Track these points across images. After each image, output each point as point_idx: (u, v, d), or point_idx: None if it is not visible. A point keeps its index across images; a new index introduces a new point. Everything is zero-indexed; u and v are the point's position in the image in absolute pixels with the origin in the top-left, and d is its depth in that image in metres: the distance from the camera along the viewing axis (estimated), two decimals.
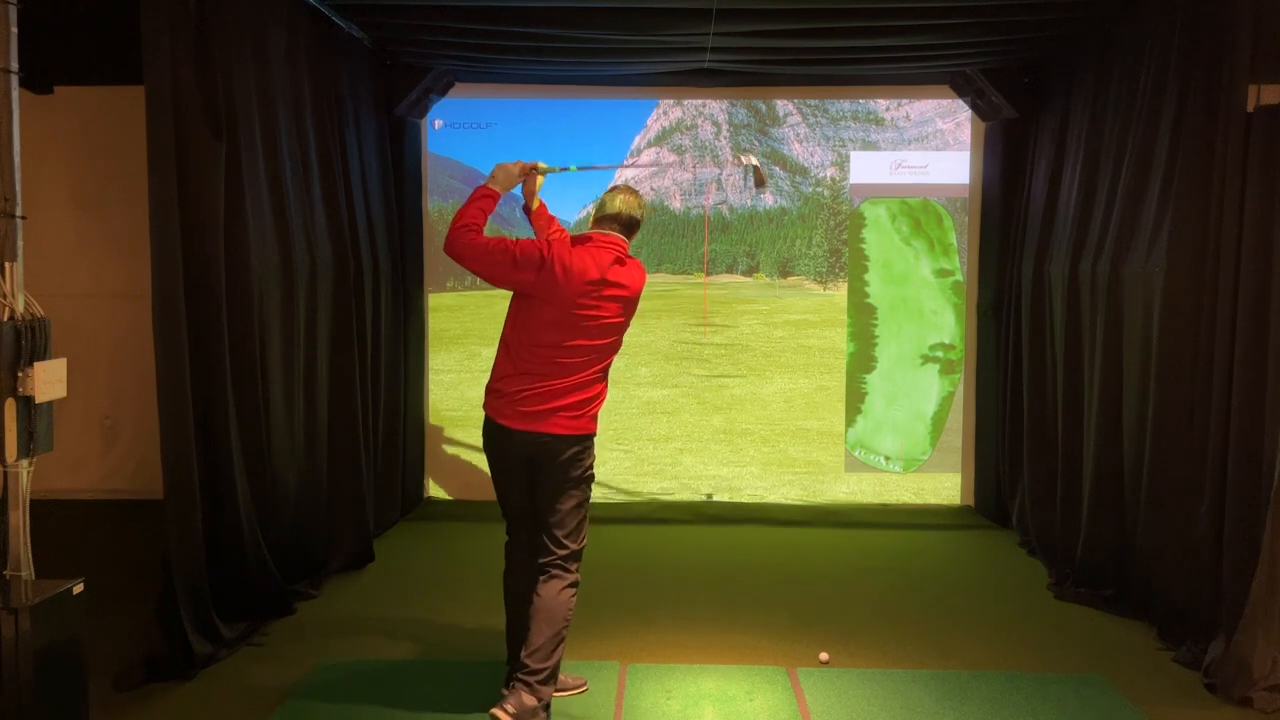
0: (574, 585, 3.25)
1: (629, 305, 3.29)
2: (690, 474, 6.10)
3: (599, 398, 3.29)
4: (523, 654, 3.15)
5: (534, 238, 3.43)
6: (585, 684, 3.51)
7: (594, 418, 3.28)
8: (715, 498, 6.08)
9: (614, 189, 3.34)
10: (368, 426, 5.14)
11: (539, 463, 3.24)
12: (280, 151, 4.23)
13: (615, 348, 3.32)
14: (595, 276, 3.16)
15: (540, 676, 3.12)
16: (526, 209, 3.53)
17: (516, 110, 6.07)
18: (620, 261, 3.23)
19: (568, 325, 3.17)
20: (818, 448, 6.10)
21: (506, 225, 6.11)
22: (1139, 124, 4.21)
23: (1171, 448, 3.96)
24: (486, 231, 3.23)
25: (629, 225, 3.29)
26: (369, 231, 5.23)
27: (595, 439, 3.31)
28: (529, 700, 3.08)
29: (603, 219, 3.29)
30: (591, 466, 3.31)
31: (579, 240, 3.26)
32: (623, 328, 3.31)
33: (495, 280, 3.24)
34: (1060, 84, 5.15)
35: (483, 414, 3.29)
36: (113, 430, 6.07)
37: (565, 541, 3.24)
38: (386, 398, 5.47)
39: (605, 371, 3.31)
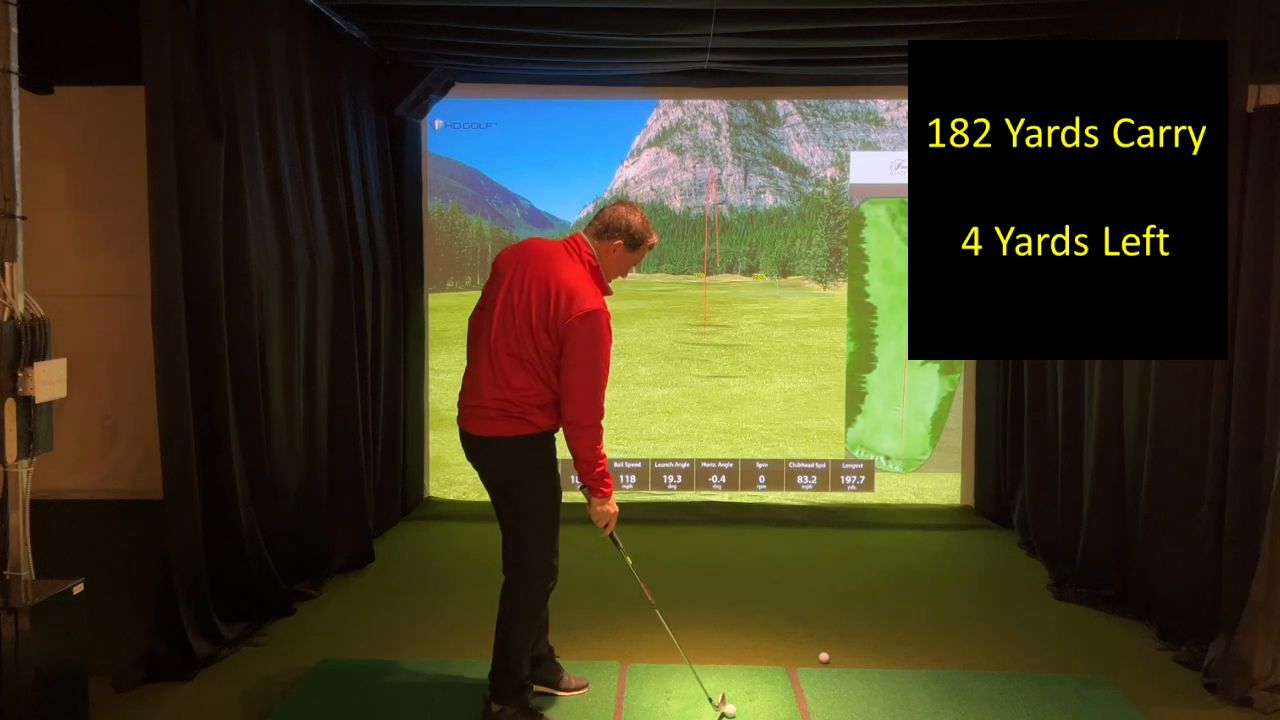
0: (519, 593, 3.14)
1: (546, 305, 2.99)
2: (690, 473, 6.10)
3: (519, 406, 3.04)
4: None
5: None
6: (587, 684, 3.51)
7: (514, 418, 3.04)
8: (715, 499, 6.08)
9: (620, 203, 3.24)
10: (368, 426, 5.14)
11: (473, 463, 3.21)
12: (280, 151, 4.23)
13: (538, 362, 3.02)
14: (523, 248, 3.16)
15: (493, 683, 3.19)
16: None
17: (516, 110, 6.07)
18: (570, 255, 3.11)
19: (495, 310, 3.09)
20: (818, 447, 6.10)
21: (507, 226, 6.11)
22: None
23: (1171, 448, 3.96)
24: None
25: (608, 228, 3.15)
26: (369, 231, 5.23)
27: (522, 446, 3.07)
28: (493, 707, 3.18)
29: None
30: (520, 473, 3.10)
31: None
32: (536, 336, 3.01)
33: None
34: None
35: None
36: (113, 430, 6.06)
37: (510, 544, 3.17)
38: (386, 398, 5.47)
39: (526, 376, 3.03)
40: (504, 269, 3.16)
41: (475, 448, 3.16)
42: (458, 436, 3.21)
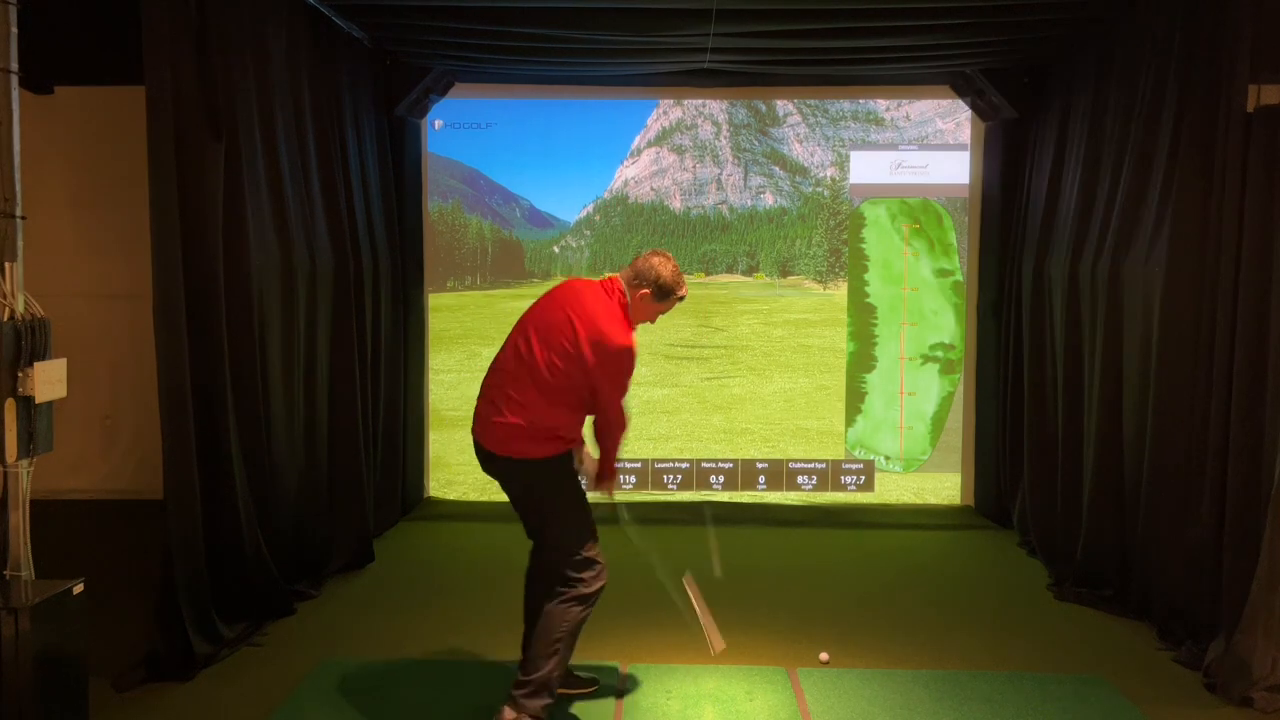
0: (577, 600, 3.16)
1: (578, 339, 3.07)
2: (690, 473, 6.10)
3: (541, 430, 3.10)
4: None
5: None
6: (596, 683, 3.51)
7: (535, 440, 3.11)
8: (715, 499, 6.08)
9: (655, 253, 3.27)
10: (368, 426, 5.14)
11: (495, 478, 3.26)
12: (280, 152, 4.23)
13: (562, 390, 3.09)
14: (564, 285, 3.26)
15: (525, 690, 3.07)
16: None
17: (516, 110, 6.07)
18: (605, 293, 3.18)
19: (528, 338, 3.15)
20: (818, 447, 6.10)
21: (506, 225, 6.12)
22: (1139, 124, 4.21)
23: (1171, 448, 3.96)
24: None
25: (638, 275, 3.19)
26: (369, 231, 5.23)
27: (546, 464, 3.15)
28: (509, 714, 3.05)
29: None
30: (547, 488, 3.19)
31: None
32: (566, 365, 3.08)
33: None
34: (1060, 84, 5.15)
35: None
36: (113, 430, 6.07)
37: (548, 554, 3.25)
38: (386, 397, 5.47)
39: (548, 403, 3.09)
40: (544, 302, 3.24)
41: (497, 466, 3.20)
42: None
